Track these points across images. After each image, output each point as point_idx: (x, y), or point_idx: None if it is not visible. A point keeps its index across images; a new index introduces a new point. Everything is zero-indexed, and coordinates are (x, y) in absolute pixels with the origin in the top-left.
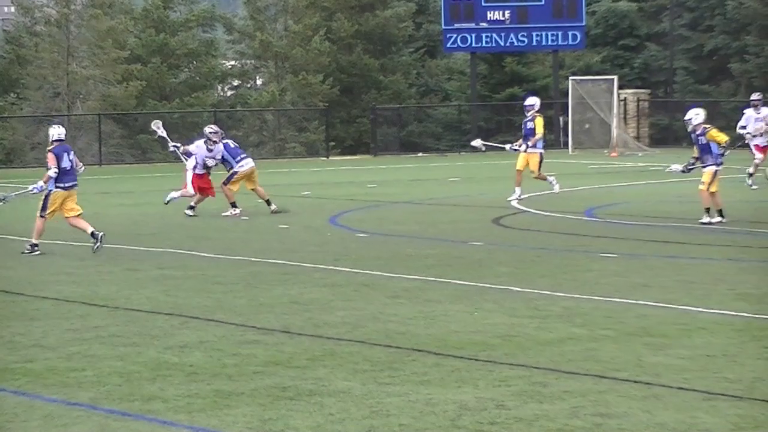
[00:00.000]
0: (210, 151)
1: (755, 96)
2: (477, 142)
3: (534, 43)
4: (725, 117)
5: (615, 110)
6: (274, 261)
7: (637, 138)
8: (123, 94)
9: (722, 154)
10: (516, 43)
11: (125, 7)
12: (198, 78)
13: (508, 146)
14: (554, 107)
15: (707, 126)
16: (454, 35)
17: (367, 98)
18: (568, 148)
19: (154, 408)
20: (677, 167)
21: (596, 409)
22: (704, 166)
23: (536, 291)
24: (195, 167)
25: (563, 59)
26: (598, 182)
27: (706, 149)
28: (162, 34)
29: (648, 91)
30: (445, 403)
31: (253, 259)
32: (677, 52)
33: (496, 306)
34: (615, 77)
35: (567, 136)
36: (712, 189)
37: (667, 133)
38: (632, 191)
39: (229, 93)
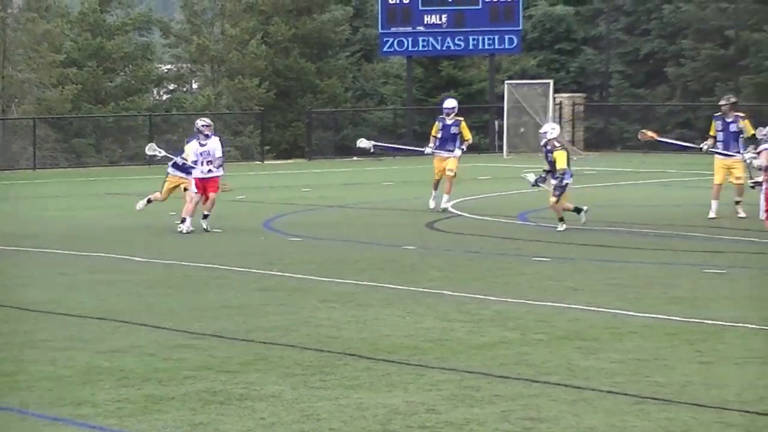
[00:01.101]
0: (203, 146)
1: None
2: (363, 143)
3: (470, 47)
4: (660, 121)
5: (550, 114)
6: (206, 265)
7: (573, 142)
8: (58, 98)
9: (561, 177)
10: (452, 47)
11: (62, 10)
12: (134, 82)
13: (427, 149)
14: (490, 111)
15: (558, 144)
16: (391, 39)
17: (303, 102)
18: (503, 152)
19: (85, 413)
20: (531, 176)
21: (527, 413)
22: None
23: (469, 295)
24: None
25: (499, 63)
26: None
27: (553, 165)
28: (98, 37)
29: (584, 95)
30: (376, 407)
31: (185, 263)
32: (613, 56)
33: (429, 310)
34: (551, 81)
35: (502, 140)
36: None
37: (602, 137)
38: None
39: (164, 97)
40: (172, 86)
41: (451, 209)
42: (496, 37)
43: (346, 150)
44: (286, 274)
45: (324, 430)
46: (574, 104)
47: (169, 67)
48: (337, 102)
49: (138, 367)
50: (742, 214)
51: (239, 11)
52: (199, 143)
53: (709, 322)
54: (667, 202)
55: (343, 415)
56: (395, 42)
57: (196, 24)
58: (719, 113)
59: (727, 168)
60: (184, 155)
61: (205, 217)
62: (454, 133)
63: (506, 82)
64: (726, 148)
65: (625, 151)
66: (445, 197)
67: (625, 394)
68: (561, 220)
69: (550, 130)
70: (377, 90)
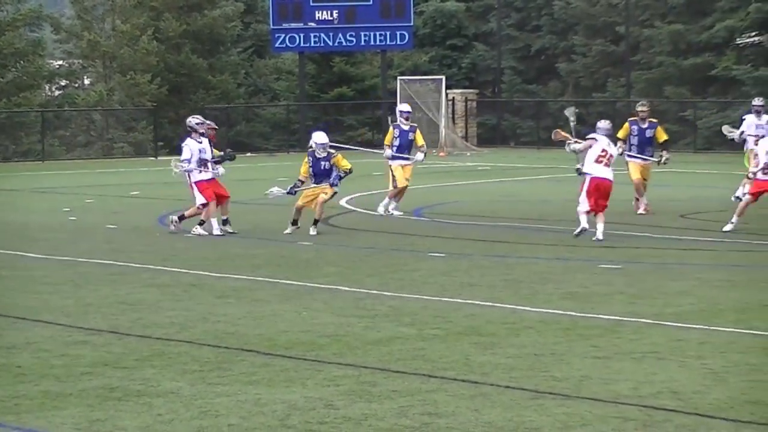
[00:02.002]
0: (200, 143)
1: (758, 101)
2: (276, 191)
3: (362, 43)
4: (552, 117)
5: (443, 110)
6: (101, 261)
7: (465, 138)
8: None
9: (340, 178)
10: (344, 43)
11: None
12: (25, 78)
13: (388, 151)
14: (382, 107)
15: (333, 151)
16: (283, 35)
17: (196, 98)
18: None
19: None
20: (279, 191)
21: (424, 408)
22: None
23: (364, 290)
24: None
25: (391, 59)
26: (426, 182)
27: (328, 173)
28: None
29: (476, 91)
30: (274, 402)
31: (80, 259)
32: (505, 51)
33: (325, 306)
34: (443, 77)
35: None
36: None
37: (494, 133)
38: (460, 191)
39: (56, 93)
40: (63, 82)
41: (344, 204)
42: (388, 33)
43: (240, 146)
44: (182, 270)
45: (222, 426)
46: (466, 100)
47: (60, 63)
48: (230, 98)
49: (34, 364)
50: (641, 210)
51: (130, 7)
52: (197, 141)
53: (605, 317)
54: (560, 197)
55: (242, 411)
56: (287, 38)
57: (86, 20)
58: (635, 118)
59: (642, 168)
60: (185, 157)
61: (226, 222)
62: (411, 140)
63: (398, 78)
64: (641, 152)
65: (519, 147)
66: (387, 200)
67: (523, 389)
68: (314, 222)
69: (327, 140)
70: (270, 86)
